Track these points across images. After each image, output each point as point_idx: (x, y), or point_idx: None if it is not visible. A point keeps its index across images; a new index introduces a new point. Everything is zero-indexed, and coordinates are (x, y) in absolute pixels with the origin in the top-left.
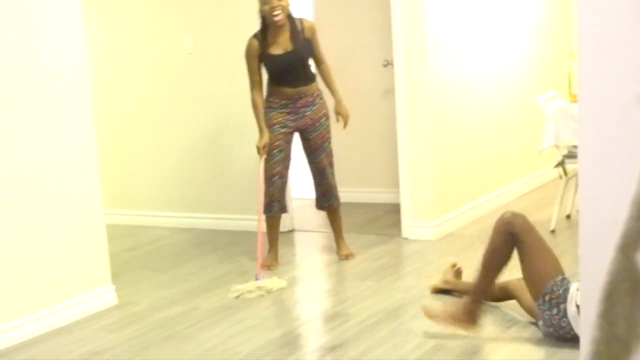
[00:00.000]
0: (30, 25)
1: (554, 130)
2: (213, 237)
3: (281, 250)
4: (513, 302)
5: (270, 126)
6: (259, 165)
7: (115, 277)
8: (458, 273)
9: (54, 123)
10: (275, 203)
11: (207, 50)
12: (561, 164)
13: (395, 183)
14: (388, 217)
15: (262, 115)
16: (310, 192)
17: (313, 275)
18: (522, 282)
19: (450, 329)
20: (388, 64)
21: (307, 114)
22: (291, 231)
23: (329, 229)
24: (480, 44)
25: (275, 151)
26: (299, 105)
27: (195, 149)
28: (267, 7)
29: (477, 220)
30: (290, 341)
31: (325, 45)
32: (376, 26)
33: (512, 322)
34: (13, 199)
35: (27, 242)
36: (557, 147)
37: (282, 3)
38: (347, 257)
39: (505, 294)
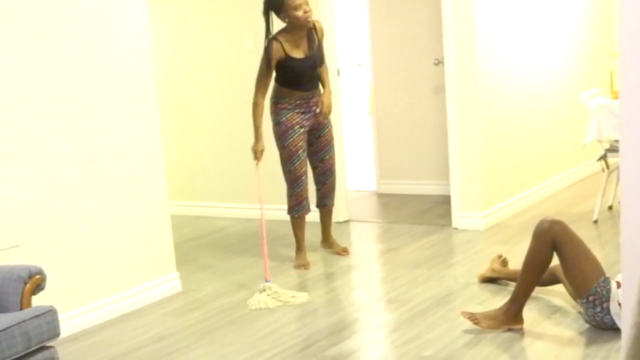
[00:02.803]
0: (100, 27)
1: (597, 126)
2: (273, 227)
3: (337, 240)
4: (557, 289)
5: (291, 127)
6: (257, 169)
7: (180, 265)
8: (504, 262)
9: (121, 120)
10: (304, 202)
11: None
12: (603, 157)
13: (445, 175)
14: (439, 208)
15: (261, 120)
16: (366, 184)
17: (367, 263)
18: None
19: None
20: (439, 62)
21: (317, 111)
22: (347, 221)
23: (383, 220)
24: (527, 44)
25: (300, 152)
26: (311, 104)
27: None
28: (301, 13)
29: (524, 210)
30: (346, 326)
31: (380, 43)
32: (427, 27)
33: (555, 308)
34: (85, 194)
35: (97, 233)
36: (599, 141)
37: (310, 7)
38: (345, 251)
39: (554, 278)
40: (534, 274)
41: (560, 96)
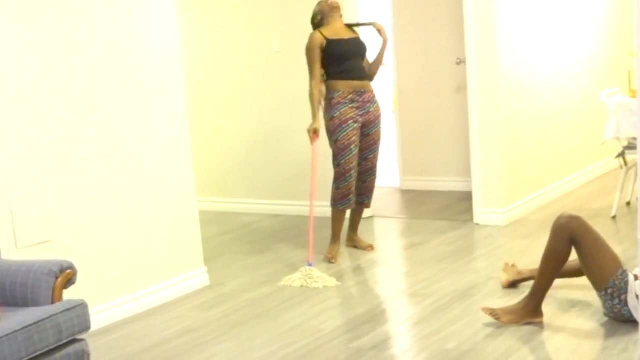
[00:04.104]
0: (130, 27)
1: (615, 124)
2: (299, 223)
3: (362, 235)
4: (575, 282)
5: (345, 121)
6: (312, 150)
7: (208, 260)
8: (514, 267)
9: (151, 118)
10: (350, 197)
11: (292, 49)
12: (622, 154)
13: (467, 172)
14: (461, 204)
15: (318, 105)
16: (389, 181)
17: (391, 257)
18: None
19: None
20: (461, 62)
21: (370, 109)
22: (371, 217)
23: (406, 215)
24: (547, 44)
25: (352, 146)
26: (365, 99)
27: (282, 141)
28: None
29: (544, 206)
30: (370, 320)
31: (403, 44)
32: (450, 27)
33: (574, 302)
34: (115, 190)
35: (127, 229)
36: (617, 139)
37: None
38: (371, 247)
39: (578, 270)
40: (553, 269)
41: (579, 95)
